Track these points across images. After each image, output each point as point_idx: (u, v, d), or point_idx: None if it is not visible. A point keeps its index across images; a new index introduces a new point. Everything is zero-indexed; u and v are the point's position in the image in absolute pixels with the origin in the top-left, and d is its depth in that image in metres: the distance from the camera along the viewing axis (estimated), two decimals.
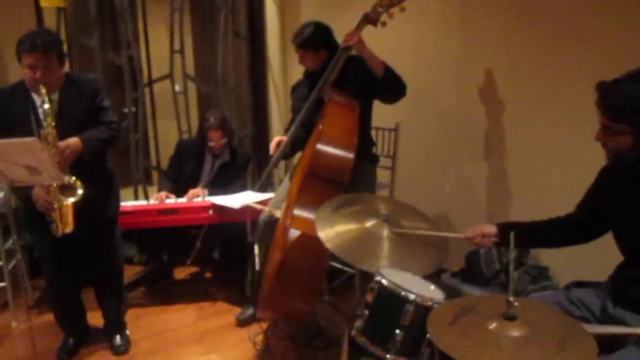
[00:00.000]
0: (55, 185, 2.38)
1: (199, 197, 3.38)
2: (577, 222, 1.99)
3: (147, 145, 4.53)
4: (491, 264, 2.94)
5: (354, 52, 2.75)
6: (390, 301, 1.79)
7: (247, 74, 4.63)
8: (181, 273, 3.79)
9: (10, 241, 3.28)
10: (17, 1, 3.68)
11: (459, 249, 3.31)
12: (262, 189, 3.45)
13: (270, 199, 3.18)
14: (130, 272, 3.73)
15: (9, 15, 3.60)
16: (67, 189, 2.42)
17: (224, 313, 3.26)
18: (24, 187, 2.42)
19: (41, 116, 2.37)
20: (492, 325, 1.41)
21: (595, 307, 1.90)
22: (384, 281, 1.82)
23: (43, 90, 2.34)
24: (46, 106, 2.35)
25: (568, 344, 1.35)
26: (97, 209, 2.64)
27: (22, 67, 2.40)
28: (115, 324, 2.94)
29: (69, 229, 2.42)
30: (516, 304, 1.40)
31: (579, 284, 2.07)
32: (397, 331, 1.76)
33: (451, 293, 2.52)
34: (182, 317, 3.25)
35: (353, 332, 1.85)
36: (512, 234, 1.71)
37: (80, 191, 2.41)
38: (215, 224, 3.28)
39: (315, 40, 2.84)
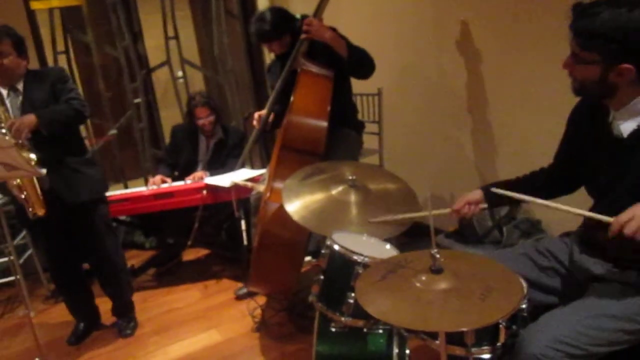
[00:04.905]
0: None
1: (203, 178, 3.43)
2: (556, 172, 1.91)
3: (156, 134, 4.63)
4: (483, 221, 2.88)
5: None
6: (342, 265, 1.80)
7: (244, 54, 4.64)
8: (189, 254, 3.89)
9: (21, 236, 3.44)
10: (7, 6, 3.77)
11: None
12: (253, 165, 3.49)
13: (262, 174, 3.21)
14: (141, 258, 3.87)
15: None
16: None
17: (227, 290, 3.33)
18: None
19: (8, 105, 2.55)
20: (419, 280, 1.39)
21: (563, 256, 1.85)
22: (335, 246, 1.82)
23: None
24: None
25: (492, 293, 1.32)
26: (66, 193, 2.67)
27: None
28: (120, 308, 3.05)
29: (39, 211, 2.53)
30: (439, 256, 1.37)
31: (568, 235, 2.01)
32: (350, 294, 1.76)
33: None
34: (187, 296, 3.34)
35: (311, 299, 1.87)
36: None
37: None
38: (220, 204, 3.34)
39: (274, 32, 2.81)
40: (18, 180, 2.50)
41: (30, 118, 2.48)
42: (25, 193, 2.50)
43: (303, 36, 2.67)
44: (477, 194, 1.94)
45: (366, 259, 1.75)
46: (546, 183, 1.93)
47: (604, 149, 1.64)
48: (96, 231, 2.80)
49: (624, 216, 1.41)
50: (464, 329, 1.40)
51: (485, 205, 1.94)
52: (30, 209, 2.51)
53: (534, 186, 1.93)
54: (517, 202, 2.12)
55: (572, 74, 1.61)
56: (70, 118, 2.62)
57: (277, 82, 2.91)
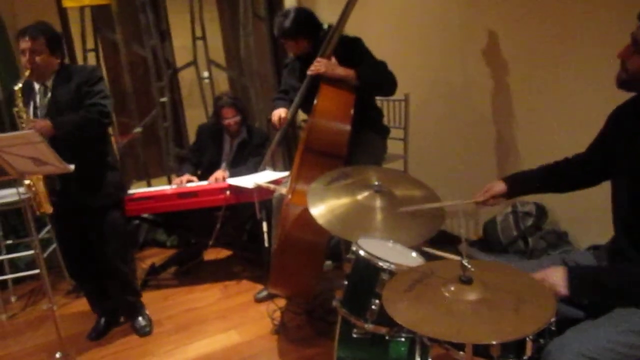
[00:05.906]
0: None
1: (224, 178, 3.44)
2: (585, 161, 1.88)
3: (180, 134, 4.66)
4: (508, 230, 2.85)
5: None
6: (367, 271, 1.78)
7: (269, 56, 4.65)
8: (210, 254, 3.90)
9: (45, 230, 3.48)
10: (40, 4, 3.84)
11: (476, 218, 3.24)
12: (275, 168, 3.50)
13: (285, 177, 3.21)
14: (162, 256, 3.89)
15: (33, 17, 3.75)
16: None
17: (247, 291, 3.34)
18: None
19: (37, 102, 2.59)
20: (448, 290, 1.38)
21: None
22: (360, 251, 1.81)
23: (26, 73, 2.55)
24: (15, 87, 2.56)
25: (524, 305, 1.30)
26: (81, 194, 2.71)
27: None
28: (124, 308, 3.06)
29: (45, 209, 2.57)
30: (469, 266, 1.36)
31: (596, 248, 1.97)
32: (375, 300, 1.75)
33: None
34: (207, 296, 3.35)
35: (334, 304, 1.86)
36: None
37: None
38: (242, 205, 3.34)
39: (293, 31, 2.80)
40: (27, 181, 2.54)
41: (47, 125, 2.50)
42: (33, 190, 2.54)
43: (311, 73, 2.70)
44: (501, 188, 1.95)
45: (392, 266, 1.73)
46: (570, 174, 1.92)
47: (634, 149, 1.62)
48: (102, 234, 2.79)
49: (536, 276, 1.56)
50: (497, 342, 1.37)
51: (507, 197, 1.97)
52: (36, 206, 2.56)
53: (558, 173, 1.95)
54: (536, 190, 2.08)
55: (626, 64, 1.56)
56: (86, 128, 2.61)
57: (294, 82, 2.95)
